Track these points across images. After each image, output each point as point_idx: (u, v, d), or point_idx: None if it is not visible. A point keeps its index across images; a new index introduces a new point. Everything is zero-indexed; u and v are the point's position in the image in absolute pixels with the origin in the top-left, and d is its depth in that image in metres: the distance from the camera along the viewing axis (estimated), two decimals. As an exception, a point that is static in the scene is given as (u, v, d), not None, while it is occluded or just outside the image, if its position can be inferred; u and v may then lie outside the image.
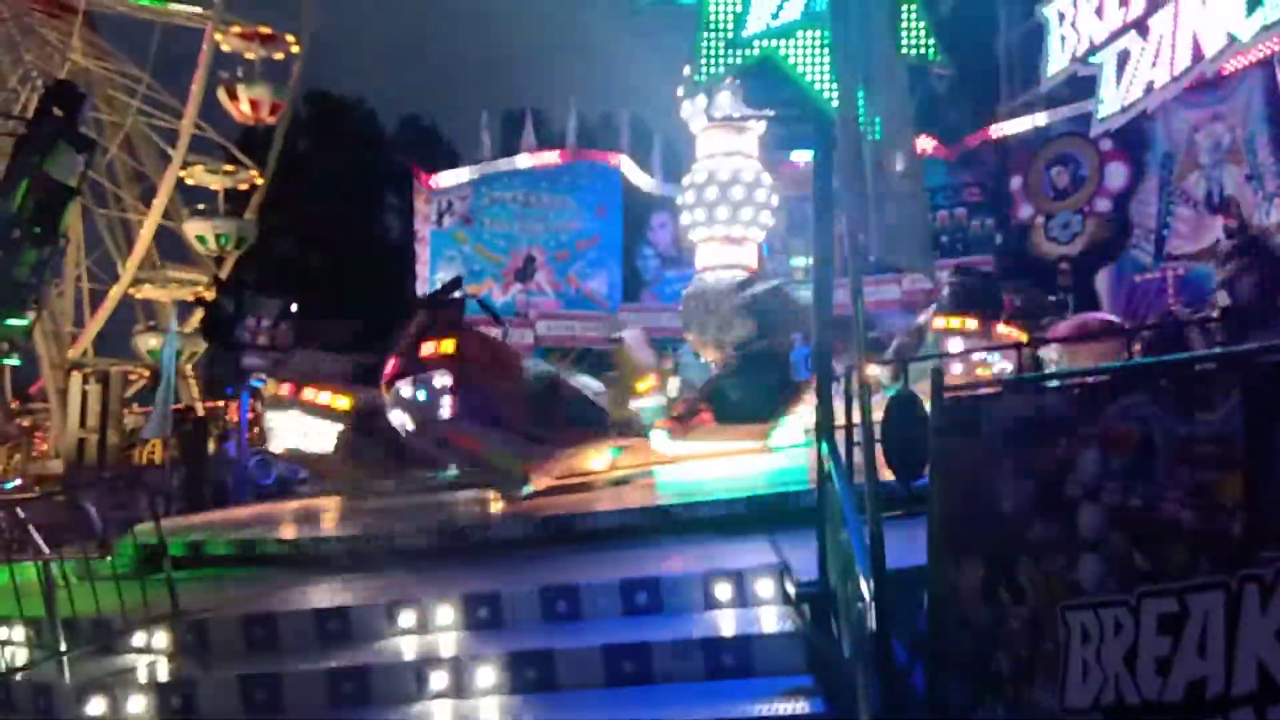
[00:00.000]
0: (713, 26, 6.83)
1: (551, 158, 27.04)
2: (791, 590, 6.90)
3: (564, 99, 28.65)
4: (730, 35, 6.77)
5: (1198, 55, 12.01)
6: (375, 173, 43.55)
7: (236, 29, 34.97)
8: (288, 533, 11.30)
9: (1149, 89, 12.76)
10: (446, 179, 26.97)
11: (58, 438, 31.21)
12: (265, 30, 35.51)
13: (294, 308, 19.31)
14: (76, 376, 30.65)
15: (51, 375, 32.29)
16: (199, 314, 25.31)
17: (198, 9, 34.45)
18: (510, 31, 65.11)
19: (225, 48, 34.98)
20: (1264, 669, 2.63)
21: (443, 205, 26.53)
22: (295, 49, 36.41)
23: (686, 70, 15.82)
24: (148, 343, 35.26)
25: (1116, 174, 22.82)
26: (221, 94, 35.31)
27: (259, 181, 36.47)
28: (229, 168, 36.24)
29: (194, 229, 35.15)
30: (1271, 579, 2.63)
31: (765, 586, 7.02)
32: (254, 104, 35.54)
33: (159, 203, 34.07)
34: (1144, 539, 2.99)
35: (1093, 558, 3.14)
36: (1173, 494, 2.92)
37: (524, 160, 26.92)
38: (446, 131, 48.92)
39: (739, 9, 6.69)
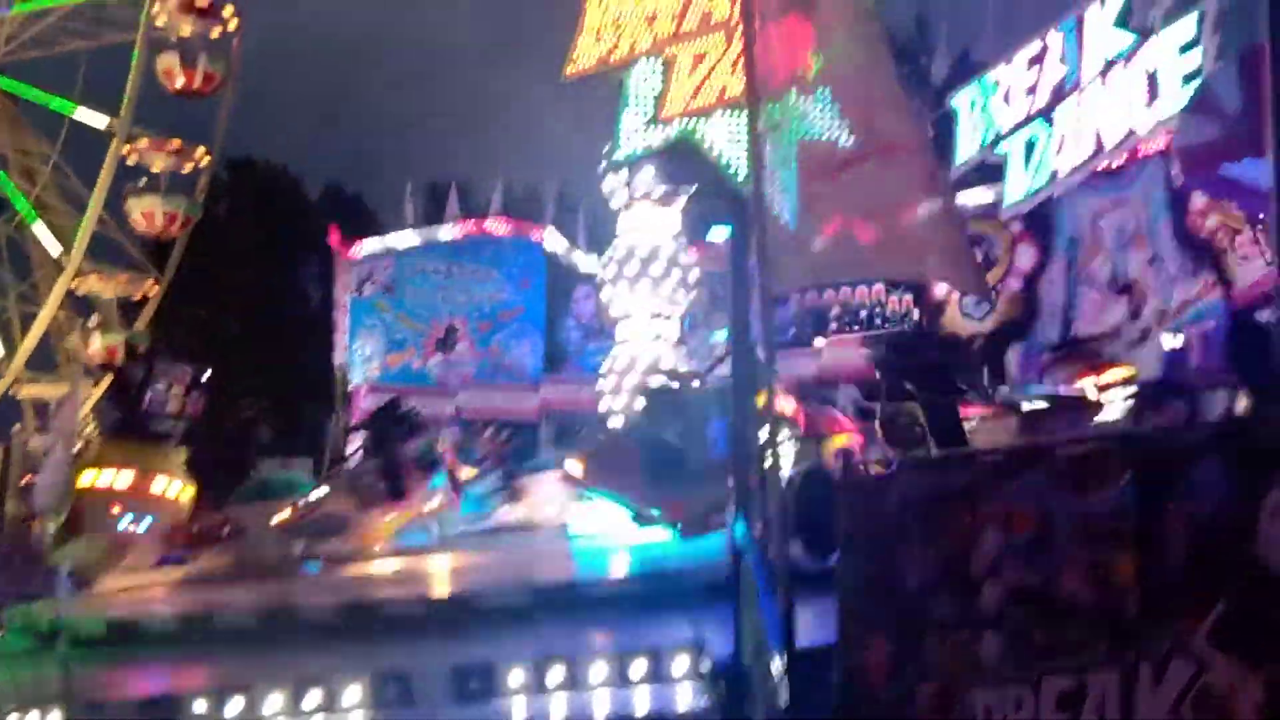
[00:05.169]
0: (634, 104, 6.98)
1: (476, 229, 26.98)
2: (707, 667, 6.84)
3: (490, 169, 28.74)
4: (650, 114, 6.92)
5: (1099, 147, 12.58)
6: (296, 240, 43.05)
7: (144, 141, 34.06)
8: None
9: (1054, 177, 13.29)
10: (367, 247, 26.70)
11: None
12: (175, 144, 34.71)
13: (206, 376, 18.82)
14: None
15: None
16: (107, 380, 24.47)
17: (104, 117, 33.74)
18: (436, 102, 65.51)
19: (131, 161, 34.05)
20: (1159, 745, 2.67)
21: (363, 274, 26.21)
22: (204, 162, 35.60)
23: (608, 146, 16.06)
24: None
25: (1026, 255, 23.53)
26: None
27: (153, 292, 35.20)
28: (123, 277, 35.18)
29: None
30: (1163, 656, 2.69)
31: (680, 663, 6.94)
32: (147, 216, 34.37)
33: (45, 314, 33.26)
34: (1043, 616, 3.04)
35: (994, 634, 3.18)
36: (1070, 571, 2.98)
37: (448, 231, 26.81)
38: (370, 200, 48.59)
39: (659, 89, 6.85)
